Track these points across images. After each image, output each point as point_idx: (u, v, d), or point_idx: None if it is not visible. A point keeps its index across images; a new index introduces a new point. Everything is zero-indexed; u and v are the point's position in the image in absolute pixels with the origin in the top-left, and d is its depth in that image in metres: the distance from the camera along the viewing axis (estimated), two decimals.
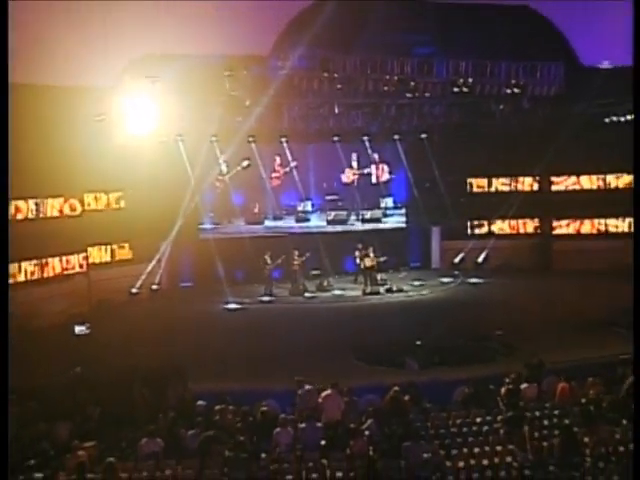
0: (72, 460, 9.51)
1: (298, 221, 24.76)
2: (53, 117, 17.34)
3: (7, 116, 9.92)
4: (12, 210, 18.22)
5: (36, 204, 19.01)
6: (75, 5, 16.57)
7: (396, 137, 25.11)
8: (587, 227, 25.85)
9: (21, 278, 18.48)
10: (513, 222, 26.30)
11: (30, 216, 18.78)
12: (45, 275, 19.18)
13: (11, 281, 17.66)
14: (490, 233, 26.06)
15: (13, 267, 17.99)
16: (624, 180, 25.51)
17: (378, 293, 22.07)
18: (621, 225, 25.55)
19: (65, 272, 19.88)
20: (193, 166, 22.85)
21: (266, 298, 21.62)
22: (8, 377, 7.41)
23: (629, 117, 24.98)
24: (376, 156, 25.36)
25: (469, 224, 26.09)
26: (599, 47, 22.45)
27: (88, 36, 16.71)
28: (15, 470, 9.13)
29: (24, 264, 18.49)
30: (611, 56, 22.72)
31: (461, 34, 21.66)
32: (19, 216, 18.52)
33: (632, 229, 25.16)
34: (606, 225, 25.67)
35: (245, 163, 23.68)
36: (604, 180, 25.71)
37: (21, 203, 18.56)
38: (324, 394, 11.23)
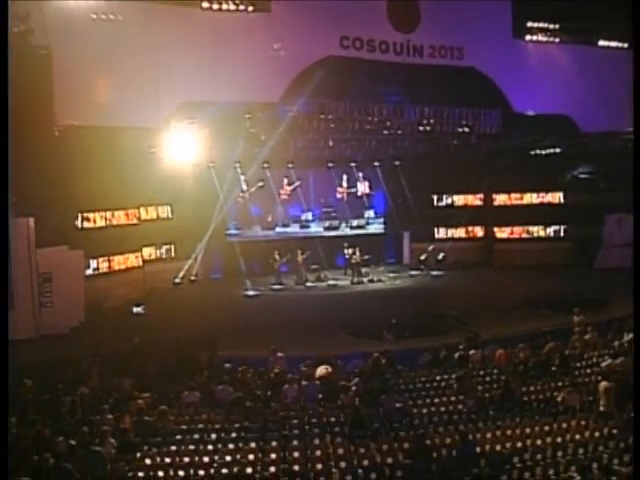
0: (133, 406, 9.76)
1: (301, 227, 24.62)
2: (119, 150, 17.47)
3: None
4: (92, 219, 18.45)
5: (106, 215, 19.03)
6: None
7: (376, 164, 25.11)
8: (519, 232, 25.85)
9: (95, 271, 18.49)
10: (465, 229, 26.31)
11: (101, 224, 18.78)
12: (112, 269, 19.21)
13: (88, 273, 17.83)
14: (448, 237, 26.10)
15: (90, 263, 18.08)
16: (546, 197, 25.55)
17: (362, 283, 22.04)
18: (547, 231, 25.50)
19: (126, 267, 19.89)
20: (221, 185, 22.83)
21: (276, 286, 21.53)
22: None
23: (549, 151, 25.30)
24: (361, 178, 25.41)
25: (432, 230, 26.13)
26: (526, 99, 22.91)
27: (146, 91, 17.12)
28: (94, 412, 9.39)
29: (97, 260, 18.53)
30: (534, 106, 23.13)
31: (425, 87, 21.86)
32: (94, 225, 18.55)
33: (553, 235, 25.43)
34: (532, 231, 25.74)
35: (261, 183, 23.82)
36: (531, 197, 25.72)
37: (91, 215, 18.49)
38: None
